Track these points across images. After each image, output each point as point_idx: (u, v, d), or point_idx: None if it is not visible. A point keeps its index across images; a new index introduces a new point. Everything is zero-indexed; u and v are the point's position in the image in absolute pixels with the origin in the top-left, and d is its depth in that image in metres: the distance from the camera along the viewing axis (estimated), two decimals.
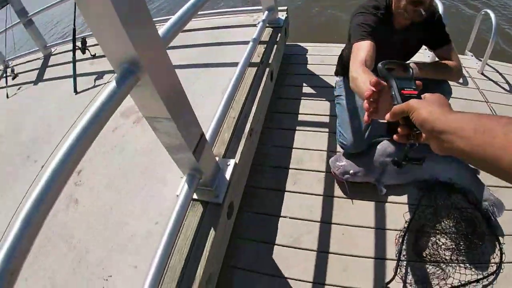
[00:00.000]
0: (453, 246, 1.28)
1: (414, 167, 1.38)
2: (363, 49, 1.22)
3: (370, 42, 1.23)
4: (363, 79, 0.98)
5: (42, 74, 2.85)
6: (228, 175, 1.23)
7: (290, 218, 1.44)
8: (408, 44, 1.47)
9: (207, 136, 1.24)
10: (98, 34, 0.65)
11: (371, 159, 1.44)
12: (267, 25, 2.17)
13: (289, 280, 1.25)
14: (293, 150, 1.73)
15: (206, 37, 2.37)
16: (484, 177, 1.45)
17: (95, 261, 1.18)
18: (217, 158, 1.27)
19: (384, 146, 1.48)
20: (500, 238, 1.27)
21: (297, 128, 1.84)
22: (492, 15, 2.08)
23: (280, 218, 1.44)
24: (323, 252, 1.32)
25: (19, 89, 2.78)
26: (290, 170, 1.63)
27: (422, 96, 0.59)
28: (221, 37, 2.32)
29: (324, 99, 1.99)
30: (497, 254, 1.24)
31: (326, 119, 1.87)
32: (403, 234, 1.30)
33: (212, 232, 1.10)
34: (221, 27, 2.42)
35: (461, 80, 2.10)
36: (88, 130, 0.63)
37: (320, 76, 2.16)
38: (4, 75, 3.04)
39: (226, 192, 1.19)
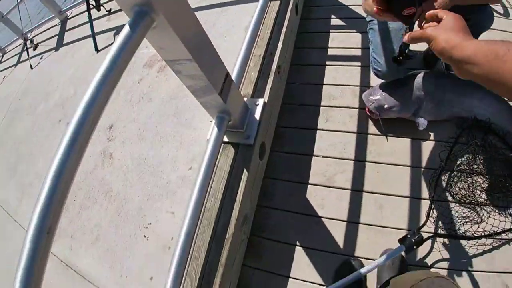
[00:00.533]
0: (489, 189, 1.22)
1: (453, 103, 1.29)
2: None
3: None
4: None
5: (61, 39, 2.86)
6: (257, 115, 1.20)
7: (322, 157, 1.42)
8: None
9: (233, 76, 1.19)
10: None
11: (407, 93, 1.33)
12: None
13: (323, 219, 1.28)
14: (323, 86, 1.64)
15: None
16: None
17: (134, 211, 1.26)
18: (245, 99, 1.24)
19: (420, 79, 1.35)
20: None
21: (327, 63, 1.72)
22: None
23: (313, 157, 1.43)
24: (357, 190, 1.31)
25: (41, 58, 2.84)
26: (321, 107, 1.57)
27: (440, 15, 0.59)
28: None
29: (355, 31, 1.81)
30: None
31: (358, 52, 1.73)
32: (437, 174, 1.24)
33: (245, 174, 1.12)
34: None
35: (502, 11, 1.79)
36: (107, 80, 0.61)
37: (350, 6, 1.95)
38: (25, 47, 3.06)
39: (256, 133, 1.17)
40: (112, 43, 2.12)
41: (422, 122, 1.32)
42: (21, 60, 3.38)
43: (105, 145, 1.51)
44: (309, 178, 1.38)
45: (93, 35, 2.32)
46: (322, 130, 1.50)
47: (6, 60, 3.87)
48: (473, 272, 1.07)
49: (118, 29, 2.30)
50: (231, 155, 1.15)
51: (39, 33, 3.26)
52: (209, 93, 0.96)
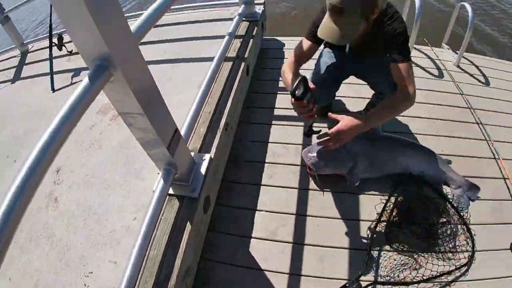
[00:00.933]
0: (426, 236, 1.37)
1: (387, 161, 1.49)
2: (303, 47, 1.37)
3: (311, 43, 1.36)
4: (287, 75, 1.35)
5: (19, 72, 2.78)
6: (203, 169, 1.27)
7: (266, 211, 1.50)
8: (361, 52, 1.46)
9: (182, 131, 1.27)
10: (70, 30, 0.67)
11: (342, 152, 1.51)
12: (244, 18, 2.21)
13: (266, 272, 1.31)
14: (269, 144, 1.78)
15: (183, 31, 2.38)
16: (457, 167, 1.59)
17: (76, 258, 1.20)
18: (192, 153, 1.30)
19: (356, 139, 1.55)
20: (472, 227, 1.38)
21: (273, 122, 1.90)
22: (469, 8, 2.21)
23: (257, 212, 1.50)
24: (298, 244, 1.38)
25: None
26: (266, 164, 1.69)
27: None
28: (198, 31, 2.35)
29: None
30: (469, 244, 1.34)
31: None
32: (374, 225, 1.38)
33: (188, 226, 1.14)
34: (198, 21, 2.44)
35: (436, 73, 2.27)
36: (62, 127, 0.66)
37: None
38: None
39: (202, 187, 1.23)
40: (70, 85, 2.13)
41: (355, 180, 1.49)
42: None
43: (51, 188, 1.45)
44: (252, 232, 1.43)
45: (51, 74, 2.30)
46: (266, 185, 1.60)
47: None
48: None
49: (76, 71, 2.32)
50: (176, 207, 1.18)
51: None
52: (157, 146, 1.01)
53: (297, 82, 1.11)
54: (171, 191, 1.21)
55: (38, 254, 1.26)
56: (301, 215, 1.47)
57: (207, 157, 1.31)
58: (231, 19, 2.17)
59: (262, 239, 1.41)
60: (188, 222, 1.15)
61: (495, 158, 1.70)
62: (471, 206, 1.47)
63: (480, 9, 5.87)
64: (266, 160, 1.70)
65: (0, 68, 2.94)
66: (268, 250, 1.37)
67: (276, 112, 1.97)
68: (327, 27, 1.16)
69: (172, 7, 2.58)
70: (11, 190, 0.56)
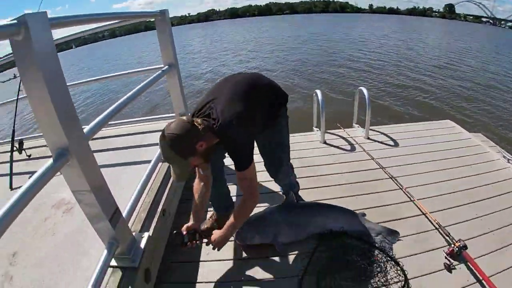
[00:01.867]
0: (356, 278, 1.67)
1: (306, 224, 1.90)
2: None
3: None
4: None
5: None
6: (142, 244, 1.59)
7: (206, 282, 1.77)
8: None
9: (124, 214, 1.62)
10: (43, 129, 1.11)
11: (263, 223, 1.94)
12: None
13: None
14: None
15: (127, 141, 2.89)
16: (372, 217, 2.06)
17: None
18: (134, 233, 1.63)
19: (275, 210, 2.01)
20: (401, 261, 1.73)
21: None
22: (364, 91, 3.14)
23: (197, 284, 1.77)
24: None
25: None
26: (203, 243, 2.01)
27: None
28: (139, 140, 2.88)
29: None
30: (400, 275, 1.66)
31: None
32: (301, 277, 1.70)
33: None
34: (139, 132, 3.01)
35: (349, 148, 3.02)
36: (30, 190, 1.03)
37: None
38: None
39: (141, 258, 1.53)
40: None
41: (279, 245, 1.88)
42: None
43: (7, 269, 1.63)
44: None
45: (11, 173, 2.58)
46: (205, 261, 1.91)
47: None
48: None
49: (33, 173, 2.61)
50: (118, 277, 1.46)
51: None
52: (101, 219, 1.37)
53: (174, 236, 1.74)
54: (114, 263, 1.49)
55: None
56: (237, 281, 1.77)
57: (146, 234, 1.66)
58: None
59: None
60: (129, 287, 1.40)
61: (411, 200, 2.23)
62: (400, 242, 1.89)
63: (375, 88, 8.13)
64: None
65: None
66: None
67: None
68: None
69: (119, 121, 3.24)
70: None
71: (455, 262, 1.74)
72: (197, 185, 1.83)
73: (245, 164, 1.53)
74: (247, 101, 1.53)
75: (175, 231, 1.73)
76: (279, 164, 1.95)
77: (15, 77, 38.78)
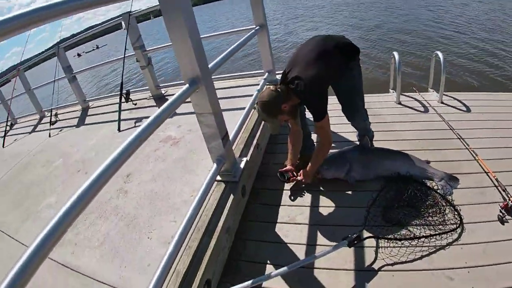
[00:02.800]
0: (418, 215, 1.92)
1: (376, 165, 2.15)
2: None
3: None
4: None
5: (83, 120, 3.83)
6: (242, 165, 2.00)
7: (288, 206, 2.14)
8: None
9: (230, 138, 2.01)
10: (182, 62, 1.52)
11: (339, 159, 2.27)
12: (267, 83, 3.12)
13: (289, 245, 1.89)
14: None
15: (225, 92, 3.36)
16: (437, 165, 2.25)
17: (142, 223, 1.83)
18: (236, 157, 2.03)
19: (350, 149, 2.35)
20: (458, 207, 1.91)
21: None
22: (440, 55, 3.24)
23: (280, 207, 2.15)
24: (313, 225, 2.00)
25: (60, 131, 3.69)
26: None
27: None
28: (234, 92, 3.34)
29: None
30: (456, 218, 1.86)
31: None
32: (371, 202, 2.00)
33: (231, 198, 1.83)
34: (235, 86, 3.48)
35: (423, 110, 3.18)
36: (168, 109, 1.42)
37: None
38: (50, 120, 3.97)
39: (240, 175, 1.93)
40: (133, 127, 3.05)
41: (351, 179, 2.19)
42: (36, 130, 4.20)
43: (121, 185, 2.11)
44: (277, 219, 2.07)
45: (119, 117, 3.21)
46: (287, 190, 2.29)
47: (18, 128, 4.64)
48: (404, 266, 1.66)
49: (138, 120, 3.28)
50: (222, 187, 1.89)
51: (62, 113, 4.20)
52: (216, 139, 1.78)
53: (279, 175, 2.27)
54: (219, 178, 1.90)
55: (107, 225, 1.89)
56: (313, 206, 2.12)
57: (244, 159, 2.07)
58: (257, 84, 3.08)
59: (284, 223, 2.03)
60: (231, 195, 1.84)
61: (475, 159, 2.35)
62: (458, 193, 2.06)
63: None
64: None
65: (63, 118, 3.96)
66: (290, 230, 1.98)
67: None
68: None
69: (219, 76, 3.82)
70: (85, 184, 0.95)
71: (508, 216, 1.85)
72: (291, 136, 2.29)
73: (322, 115, 1.94)
74: (318, 65, 1.91)
75: (278, 172, 2.28)
76: (355, 108, 2.24)
77: (97, 47, 42.71)
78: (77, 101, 4.30)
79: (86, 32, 4.49)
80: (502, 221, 1.84)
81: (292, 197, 2.22)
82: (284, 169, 2.28)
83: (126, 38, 3.63)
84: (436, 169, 2.22)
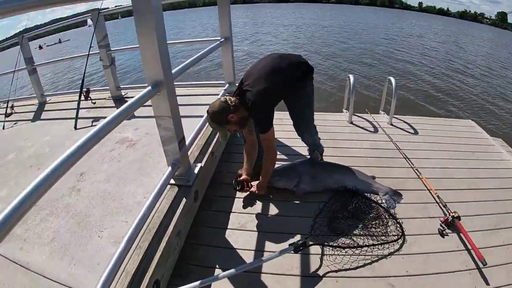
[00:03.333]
0: (362, 226, 2.07)
1: (325, 177, 2.29)
2: None
3: None
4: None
5: (39, 114, 3.67)
6: (196, 170, 2.05)
7: (238, 213, 2.22)
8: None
9: (187, 144, 2.06)
10: (146, 64, 1.56)
11: (289, 171, 2.40)
12: (227, 94, 3.20)
13: (238, 250, 1.95)
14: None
15: (184, 99, 3.34)
16: (383, 181, 2.44)
17: (93, 222, 1.81)
18: (191, 162, 2.08)
19: (300, 162, 2.50)
20: (400, 220, 2.09)
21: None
22: (392, 80, 3.54)
23: (231, 213, 2.23)
24: (262, 231, 2.08)
25: (15, 123, 3.51)
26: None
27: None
28: (194, 100, 3.40)
29: None
30: (398, 230, 2.04)
31: None
32: (317, 213, 2.13)
33: (183, 201, 1.87)
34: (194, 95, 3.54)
35: (373, 129, 3.45)
36: (124, 113, 1.46)
37: None
38: (5, 111, 3.79)
39: (194, 180, 1.98)
40: (90, 126, 2.99)
41: (302, 191, 2.32)
42: None
43: (74, 183, 2.05)
44: (228, 225, 2.14)
45: (77, 114, 3.11)
46: (239, 197, 2.37)
47: None
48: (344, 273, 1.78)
49: (95, 119, 3.22)
50: (175, 190, 1.93)
51: (18, 106, 3.97)
52: (172, 142, 1.82)
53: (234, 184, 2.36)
54: (173, 182, 1.94)
55: (58, 222, 1.85)
56: (262, 214, 2.22)
57: (199, 165, 2.13)
58: (217, 94, 3.16)
59: (235, 229, 2.11)
60: (184, 199, 1.87)
61: (419, 177, 2.59)
62: (402, 207, 2.25)
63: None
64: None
65: (19, 111, 3.81)
66: (240, 236, 2.05)
67: None
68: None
69: (181, 83, 3.81)
70: (36, 179, 0.94)
71: (448, 230, 2.05)
72: (246, 146, 2.41)
73: (266, 128, 2.07)
74: (268, 81, 2.04)
75: (234, 180, 2.37)
76: (305, 124, 2.39)
77: (60, 41, 40.90)
78: (35, 95, 4.15)
79: (51, 25, 4.36)
80: (442, 234, 2.04)
81: (243, 205, 2.30)
82: (240, 178, 2.36)
83: (93, 35, 3.59)
84: (381, 184, 2.41)
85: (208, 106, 2.03)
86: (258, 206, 2.28)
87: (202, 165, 2.15)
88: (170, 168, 1.86)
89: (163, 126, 1.76)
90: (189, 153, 2.17)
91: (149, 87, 1.57)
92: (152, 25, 1.48)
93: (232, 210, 2.25)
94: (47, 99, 4.10)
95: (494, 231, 2.10)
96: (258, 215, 2.20)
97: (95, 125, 3.03)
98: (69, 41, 37.92)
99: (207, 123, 2.56)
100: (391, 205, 2.24)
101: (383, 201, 2.28)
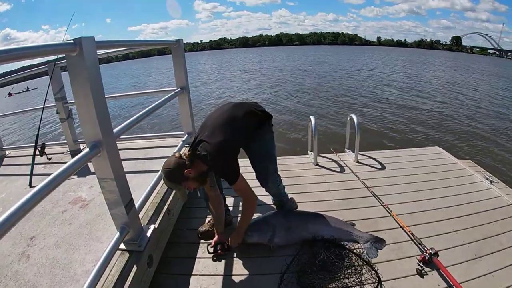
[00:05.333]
0: (334, 277, 1.93)
1: (300, 228, 2.18)
2: None
3: None
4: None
5: None
6: (149, 233, 1.89)
7: (200, 275, 2.04)
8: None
9: (137, 206, 1.91)
10: (84, 124, 1.45)
11: (262, 225, 2.26)
12: (186, 145, 3.11)
13: None
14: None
15: (138, 153, 3.28)
16: (361, 228, 2.36)
17: None
18: (142, 225, 1.92)
19: (273, 214, 2.39)
20: (376, 266, 1.98)
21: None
22: (354, 118, 3.54)
23: (191, 276, 2.05)
24: None
25: None
26: (200, 244, 2.28)
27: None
28: (149, 153, 3.26)
29: None
30: (373, 277, 1.92)
31: None
32: (284, 269, 1.98)
33: (134, 269, 1.69)
34: (149, 147, 3.40)
35: (339, 169, 3.40)
36: (64, 173, 1.34)
37: None
38: None
39: (146, 244, 1.82)
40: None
41: (275, 244, 2.19)
42: None
43: (24, 249, 1.88)
44: None
45: (31, 172, 2.89)
46: (201, 258, 2.20)
47: None
48: None
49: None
50: (126, 257, 1.75)
51: None
52: (118, 206, 1.68)
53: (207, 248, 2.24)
54: (123, 247, 1.78)
55: None
56: (227, 275, 2.04)
57: (152, 226, 1.97)
58: (176, 145, 3.06)
59: None
60: (135, 267, 1.69)
61: (390, 215, 2.52)
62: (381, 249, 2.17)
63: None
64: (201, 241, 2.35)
65: None
66: None
67: None
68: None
69: (133, 136, 3.64)
70: None
71: (427, 269, 1.98)
72: (211, 204, 2.26)
73: (234, 179, 1.93)
74: (224, 131, 1.93)
75: (207, 245, 2.26)
76: (267, 173, 2.28)
77: (28, 89, 40.44)
78: None
79: (18, 73, 4.23)
80: (421, 274, 1.96)
81: (205, 266, 2.13)
82: (214, 241, 2.23)
83: (48, 87, 3.47)
84: (362, 231, 2.31)
85: (164, 159, 1.91)
86: (220, 266, 2.12)
87: (156, 227, 1.99)
88: (118, 233, 1.71)
89: (106, 188, 1.63)
90: (141, 214, 2.03)
91: (87, 149, 1.46)
92: (87, 83, 1.40)
93: (193, 273, 2.07)
94: (6, 153, 3.88)
95: (476, 260, 2.06)
96: (221, 277, 2.03)
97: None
98: (37, 90, 37.57)
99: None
100: (373, 254, 2.13)
101: (365, 250, 2.17)
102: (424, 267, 1.98)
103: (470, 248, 2.17)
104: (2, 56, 1.06)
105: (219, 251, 2.18)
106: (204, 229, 2.42)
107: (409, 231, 2.28)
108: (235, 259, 2.17)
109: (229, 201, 2.73)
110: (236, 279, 2.01)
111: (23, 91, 39.10)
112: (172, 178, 1.85)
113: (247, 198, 2.09)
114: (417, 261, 2.03)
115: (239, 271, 2.07)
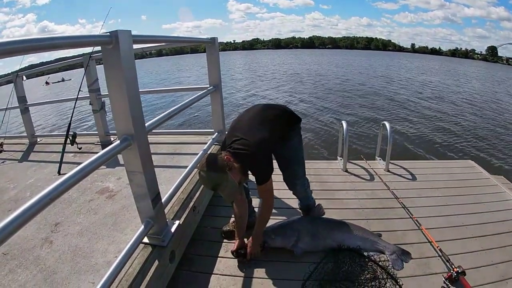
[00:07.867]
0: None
1: (325, 236, 2.13)
2: None
3: None
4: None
5: (27, 156, 3.60)
6: (173, 229, 1.89)
7: (220, 275, 2.02)
8: None
9: (163, 200, 1.92)
10: (117, 117, 1.46)
11: (287, 229, 2.21)
12: (215, 143, 3.12)
13: None
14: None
15: (169, 147, 3.33)
16: (388, 239, 2.28)
17: (60, 279, 1.65)
18: (167, 220, 1.93)
19: (299, 219, 2.35)
20: (401, 280, 1.92)
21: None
22: (387, 125, 3.45)
23: (212, 275, 2.03)
24: None
25: (3, 162, 3.46)
26: (223, 243, 2.27)
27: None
28: (179, 148, 3.28)
29: None
30: None
31: None
32: (306, 277, 1.94)
33: (156, 264, 1.69)
34: (180, 143, 3.44)
35: (369, 177, 3.32)
36: (96, 162, 1.35)
37: None
38: None
39: (170, 240, 1.82)
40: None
41: (299, 251, 2.14)
42: None
43: (48, 235, 1.93)
44: None
45: (61, 160, 3.00)
46: (222, 257, 2.18)
47: None
48: None
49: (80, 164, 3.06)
50: (149, 251, 1.76)
51: (8, 144, 3.94)
52: (145, 199, 1.68)
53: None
54: (146, 241, 1.79)
55: (25, 275, 1.70)
56: (248, 277, 2.01)
57: (177, 222, 1.96)
58: (205, 143, 3.08)
59: None
60: (157, 261, 1.70)
61: (419, 229, 2.43)
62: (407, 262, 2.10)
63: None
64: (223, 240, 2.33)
65: (9, 150, 3.77)
66: None
67: None
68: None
69: (166, 130, 3.75)
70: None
71: (452, 287, 1.88)
72: (236, 207, 2.22)
73: (267, 177, 1.91)
74: (262, 130, 1.93)
75: (231, 251, 2.18)
76: (295, 176, 2.25)
77: (63, 80, 42.38)
78: (25, 134, 4.13)
79: (54, 64, 4.42)
80: None
81: (226, 266, 2.11)
82: (236, 246, 2.17)
83: (82, 79, 3.61)
84: (388, 242, 2.23)
85: (193, 156, 1.88)
86: (241, 268, 2.10)
87: (181, 223, 1.99)
88: (143, 226, 1.72)
89: (134, 181, 1.64)
90: (167, 209, 2.03)
91: (118, 141, 1.47)
92: (122, 76, 1.41)
93: (214, 272, 2.07)
94: (38, 140, 4.07)
95: (503, 282, 1.95)
96: (241, 279, 2.01)
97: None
98: (71, 81, 39.24)
99: (191, 176, 2.47)
100: (398, 266, 2.05)
101: (390, 261, 2.09)
102: (450, 285, 1.89)
103: (499, 269, 2.06)
104: (41, 44, 1.08)
105: (247, 253, 2.13)
106: (227, 228, 2.42)
107: (437, 247, 2.19)
108: (257, 262, 2.14)
109: (255, 203, 2.70)
110: (257, 282, 1.99)
111: (59, 81, 41.02)
112: (216, 168, 1.77)
113: (269, 202, 2.06)
114: (443, 279, 1.93)
115: (261, 274, 2.04)
